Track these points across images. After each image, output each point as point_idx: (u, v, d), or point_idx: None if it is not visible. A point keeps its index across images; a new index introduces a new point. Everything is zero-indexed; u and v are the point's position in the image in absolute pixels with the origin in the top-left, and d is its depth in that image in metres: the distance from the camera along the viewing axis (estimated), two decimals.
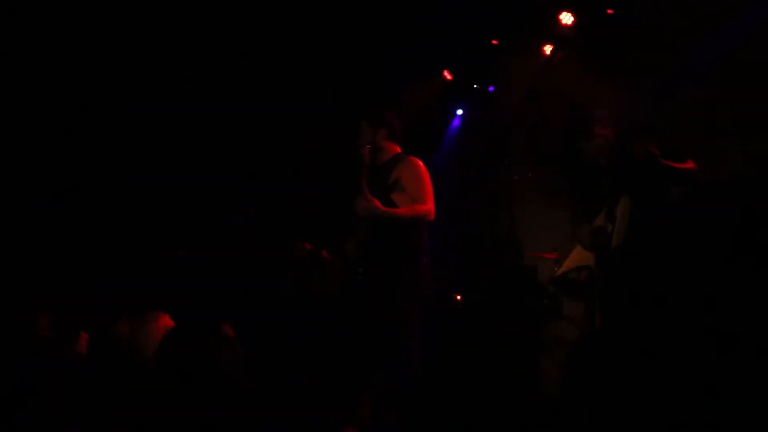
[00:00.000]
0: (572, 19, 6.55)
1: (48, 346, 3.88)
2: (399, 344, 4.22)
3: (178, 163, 6.74)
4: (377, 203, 4.20)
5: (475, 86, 7.79)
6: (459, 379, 5.53)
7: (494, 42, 7.19)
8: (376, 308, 4.28)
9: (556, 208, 5.93)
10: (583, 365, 3.53)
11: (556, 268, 5.84)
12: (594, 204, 4.10)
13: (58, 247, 6.29)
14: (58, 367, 3.64)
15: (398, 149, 4.52)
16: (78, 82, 6.45)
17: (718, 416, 2.78)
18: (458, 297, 6.72)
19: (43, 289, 5.53)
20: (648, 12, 5.92)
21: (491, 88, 7.66)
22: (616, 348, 3.30)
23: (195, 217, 6.64)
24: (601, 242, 3.78)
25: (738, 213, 3.97)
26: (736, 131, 5.05)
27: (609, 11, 6.37)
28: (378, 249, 4.34)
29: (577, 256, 5.39)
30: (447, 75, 7.71)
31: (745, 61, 5.08)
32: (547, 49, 6.81)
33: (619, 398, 3.15)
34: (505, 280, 6.32)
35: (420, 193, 4.29)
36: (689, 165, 3.82)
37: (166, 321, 3.80)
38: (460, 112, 8.10)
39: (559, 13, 6.58)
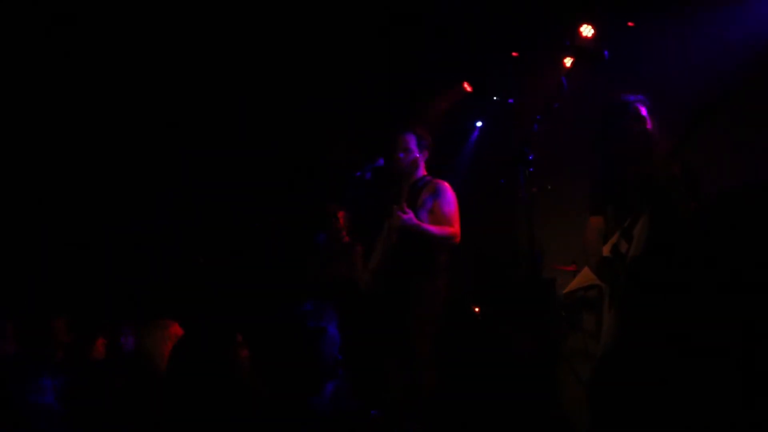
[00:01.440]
0: (593, 31, 6.54)
1: (66, 350, 3.90)
2: (414, 357, 4.21)
3: (196, 169, 6.77)
4: (413, 216, 4.21)
5: (495, 98, 7.78)
6: (476, 391, 5.48)
7: (514, 54, 7.18)
8: (392, 326, 4.31)
9: (576, 220, 5.88)
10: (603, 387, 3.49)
11: (563, 290, 5.82)
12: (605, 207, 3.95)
13: (75, 254, 6.34)
14: (78, 371, 3.66)
15: (425, 171, 4.52)
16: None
17: None
18: (476, 309, 6.67)
19: (60, 295, 5.57)
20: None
21: (511, 100, 7.65)
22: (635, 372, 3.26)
23: (213, 223, 6.67)
24: (613, 271, 3.67)
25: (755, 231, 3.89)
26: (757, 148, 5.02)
27: (630, 24, 6.35)
28: (396, 269, 4.38)
29: (586, 276, 5.34)
30: (467, 87, 7.71)
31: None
32: (568, 61, 6.79)
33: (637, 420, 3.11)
34: (524, 292, 6.27)
35: (448, 218, 4.31)
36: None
37: (175, 329, 3.81)
38: (479, 123, 8.10)
39: (580, 25, 6.57)
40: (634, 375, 3.23)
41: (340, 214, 5.88)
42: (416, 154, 4.45)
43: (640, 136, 3.69)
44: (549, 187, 6.19)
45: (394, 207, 4.30)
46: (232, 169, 6.98)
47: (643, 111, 3.71)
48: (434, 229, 4.25)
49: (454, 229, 4.29)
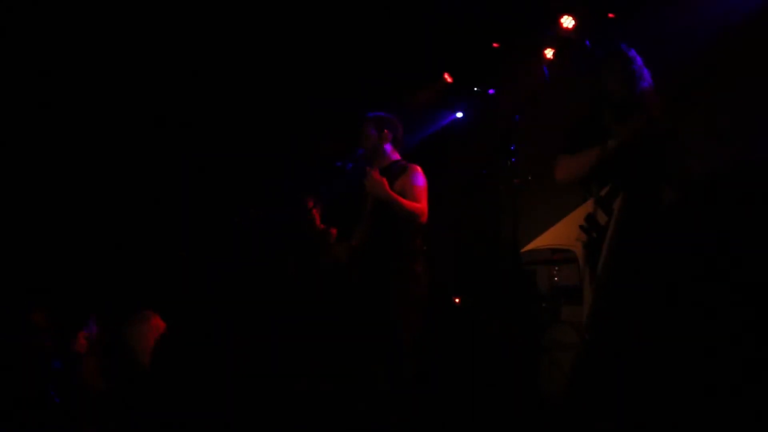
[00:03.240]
0: (573, 22, 6.54)
1: (45, 340, 3.87)
2: (396, 348, 4.22)
3: (178, 163, 6.74)
4: (385, 182, 4.30)
5: (475, 89, 7.77)
6: (458, 383, 5.50)
7: (495, 45, 7.17)
8: (371, 314, 4.34)
9: (558, 211, 5.90)
10: (582, 372, 3.51)
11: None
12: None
13: (56, 248, 6.28)
14: (57, 363, 3.63)
15: (399, 156, 4.59)
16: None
17: (715, 418, 2.76)
18: (457, 300, 6.69)
19: (40, 289, 5.52)
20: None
21: (491, 91, 7.65)
22: (612, 353, 3.27)
23: (195, 217, 6.64)
24: (591, 232, 3.62)
25: (732, 216, 3.91)
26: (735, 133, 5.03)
27: (610, 15, 6.35)
28: (371, 255, 4.43)
29: (554, 237, 5.34)
30: (447, 78, 7.70)
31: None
32: (549, 52, 6.80)
33: (615, 403, 3.12)
34: (505, 283, 6.29)
35: (415, 195, 4.37)
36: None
37: (157, 321, 3.80)
38: (459, 114, 8.09)
39: (561, 16, 6.57)
40: (617, 364, 3.25)
41: (311, 204, 6.04)
42: (376, 139, 4.57)
43: (631, 78, 3.68)
44: (529, 177, 6.20)
45: (367, 169, 4.41)
46: (212, 163, 6.95)
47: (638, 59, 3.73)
48: (402, 201, 4.31)
49: (422, 205, 4.36)
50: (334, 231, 6.02)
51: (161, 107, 6.89)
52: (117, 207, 6.74)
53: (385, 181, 4.31)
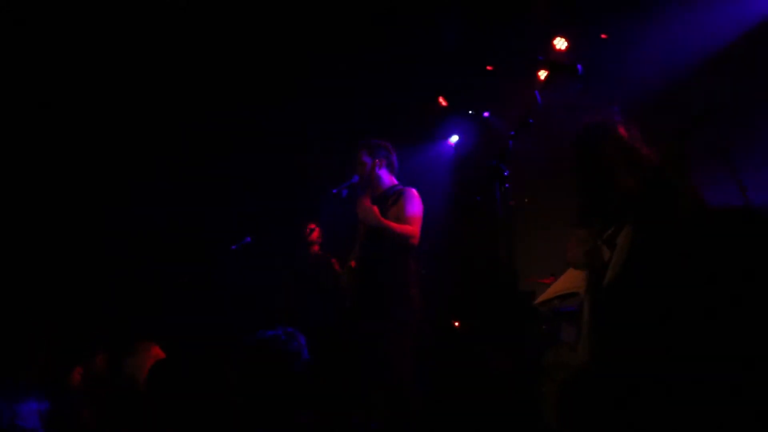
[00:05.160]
0: (566, 44, 6.59)
1: (42, 373, 3.87)
2: (393, 373, 4.22)
3: (176, 190, 6.74)
4: (376, 209, 4.35)
5: (470, 112, 7.80)
6: (457, 406, 5.47)
7: (489, 68, 7.21)
8: (368, 340, 4.35)
9: (554, 233, 5.90)
10: (576, 401, 3.49)
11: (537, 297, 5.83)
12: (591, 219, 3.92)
13: (55, 280, 6.27)
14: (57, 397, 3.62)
15: (395, 180, 4.62)
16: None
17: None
18: (456, 323, 6.67)
19: (40, 321, 5.51)
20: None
21: (486, 114, 7.68)
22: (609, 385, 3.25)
23: (194, 245, 6.64)
24: (595, 264, 3.65)
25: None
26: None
27: (603, 36, 6.40)
28: (364, 278, 4.47)
29: (563, 284, 5.34)
30: (442, 101, 7.73)
31: None
32: (542, 74, 6.83)
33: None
34: (503, 305, 6.28)
35: (408, 218, 4.42)
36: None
37: (156, 351, 3.79)
38: (455, 138, 8.10)
39: (553, 38, 6.61)
40: (608, 393, 3.23)
41: (311, 227, 6.04)
42: (369, 166, 4.63)
43: (620, 152, 3.68)
44: (526, 200, 6.21)
45: (358, 198, 4.47)
46: (213, 188, 6.97)
47: (620, 126, 3.71)
48: (393, 225, 4.36)
49: (414, 228, 4.40)
50: (334, 261, 5.99)
51: (159, 126, 6.88)
52: (114, 234, 6.73)
53: (375, 208, 4.36)
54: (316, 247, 6.25)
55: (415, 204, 4.47)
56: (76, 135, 6.60)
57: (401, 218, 4.38)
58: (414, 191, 4.54)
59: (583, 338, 3.61)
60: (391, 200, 4.52)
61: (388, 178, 4.66)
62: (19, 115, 6.34)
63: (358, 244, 4.63)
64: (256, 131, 7.10)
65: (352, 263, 4.64)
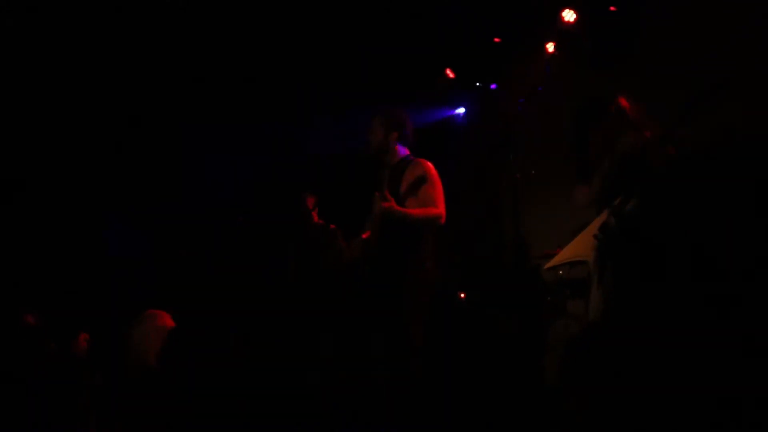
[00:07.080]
0: (574, 16, 6.52)
1: (37, 338, 3.86)
2: (403, 344, 4.22)
3: (176, 163, 6.75)
4: (394, 203, 4.23)
5: (477, 84, 7.76)
6: (463, 378, 5.49)
7: (496, 40, 7.17)
8: (380, 311, 4.31)
9: (560, 205, 5.89)
10: (580, 360, 3.49)
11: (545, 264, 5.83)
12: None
13: (58, 247, 6.29)
14: (58, 364, 3.63)
15: (408, 151, 4.59)
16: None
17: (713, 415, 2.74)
18: (462, 295, 6.68)
19: (42, 290, 5.53)
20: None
21: (494, 86, 7.64)
22: (613, 342, 3.26)
23: (197, 216, 6.65)
24: (604, 237, 3.66)
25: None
26: None
27: (612, 8, 6.32)
28: (384, 253, 4.41)
29: (571, 251, 5.33)
30: (450, 73, 7.70)
31: None
32: (550, 46, 6.78)
33: (616, 394, 3.11)
34: (509, 277, 6.29)
35: (432, 198, 4.33)
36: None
37: (165, 320, 3.78)
38: (462, 110, 8.08)
39: (562, 10, 6.55)
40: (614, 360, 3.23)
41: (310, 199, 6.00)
42: (382, 135, 4.56)
43: (621, 117, 3.68)
44: (533, 172, 6.19)
45: (376, 195, 4.34)
46: (212, 163, 6.96)
47: (623, 102, 3.71)
48: (417, 212, 4.28)
49: (439, 210, 4.32)
50: (333, 227, 5.98)
51: (156, 108, 6.88)
52: (117, 209, 6.75)
53: (393, 203, 4.22)
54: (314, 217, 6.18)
55: (435, 180, 4.40)
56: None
57: (427, 201, 4.32)
58: (429, 165, 4.47)
59: (592, 305, 3.61)
60: (403, 171, 4.47)
61: (401, 149, 4.63)
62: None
63: (371, 221, 4.58)
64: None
65: (364, 235, 4.62)
